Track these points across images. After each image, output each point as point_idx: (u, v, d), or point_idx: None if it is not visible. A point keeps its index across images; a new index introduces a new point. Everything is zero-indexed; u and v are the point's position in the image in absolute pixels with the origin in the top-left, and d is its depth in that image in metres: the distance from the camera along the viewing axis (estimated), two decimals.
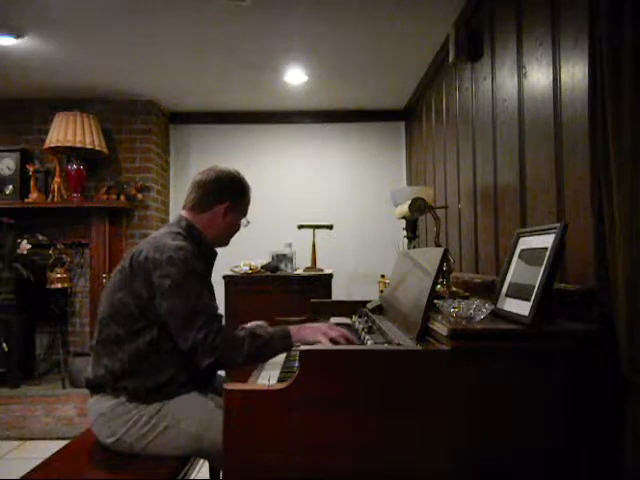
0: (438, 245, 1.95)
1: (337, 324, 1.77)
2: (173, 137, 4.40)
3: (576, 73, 1.49)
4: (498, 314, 1.35)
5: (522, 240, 1.44)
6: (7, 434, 3.19)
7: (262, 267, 3.55)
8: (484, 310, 1.25)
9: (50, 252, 3.59)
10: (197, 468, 1.68)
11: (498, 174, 2.18)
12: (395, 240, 3.36)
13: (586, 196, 1.37)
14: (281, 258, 3.61)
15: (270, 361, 1.62)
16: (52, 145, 3.58)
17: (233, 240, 1.77)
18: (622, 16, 1.16)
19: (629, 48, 1.15)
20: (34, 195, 3.72)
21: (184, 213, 1.67)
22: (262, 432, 1.13)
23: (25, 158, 3.80)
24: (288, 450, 1.13)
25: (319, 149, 4.36)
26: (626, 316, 1.13)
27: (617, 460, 1.13)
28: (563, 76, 1.58)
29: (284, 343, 1.50)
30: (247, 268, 3.49)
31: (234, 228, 1.73)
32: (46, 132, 3.68)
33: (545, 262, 1.22)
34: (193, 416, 1.48)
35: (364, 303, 2.13)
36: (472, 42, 2.47)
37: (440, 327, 1.22)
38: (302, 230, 3.71)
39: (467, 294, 1.74)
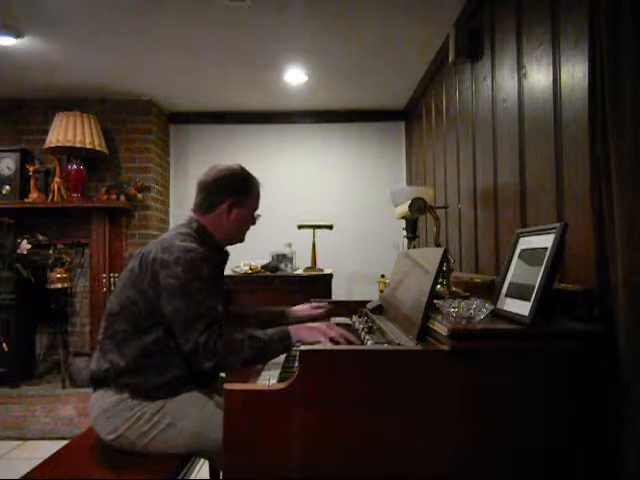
0: (438, 245, 1.95)
1: (337, 324, 1.77)
2: (173, 137, 4.40)
3: (576, 73, 1.49)
4: (498, 314, 1.35)
5: (522, 240, 1.44)
6: (7, 434, 3.19)
7: (262, 267, 3.55)
8: (484, 310, 1.25)
9: (50, 252, 3.59)
10: (197, 468, 1.68)
11: (498, 174, 2.18)
12: (395, 240, 3.35)
13: (586, 196, 1.36)
14: (281, 258, 3.61)
15: (270, 361, 1.62)
16: (52, 145, 3.58)
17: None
18: (622, 16, 1.16)
19: (629, 48, 1.15)
20: (34, 195, 3.72)
21: (193, 215, 1.66)
22: (262, 432, 1.13)
23: (25, 158, 3.80)
24: (288, 450, 1.13)
25: (319, 149, 4.37)
26: (626, 316, 1.13)
27: (617, 461, 1.13)
28: (563, 76, 1.58)
29: (284, 344, 1.50)
30: (247, 268, 3.49)
31: (244, 224, 1.70)
32: (46, 132, 3.68)
33: (545, 262, 1.22)
34: (194, 415, 1.48)
35: (364, 303, 2.13)
36: (472, 42, 2.47)
37: (440, 327, 1.22)
38: (302, 230, 3.71)
39: (467, 294, 1.74)
